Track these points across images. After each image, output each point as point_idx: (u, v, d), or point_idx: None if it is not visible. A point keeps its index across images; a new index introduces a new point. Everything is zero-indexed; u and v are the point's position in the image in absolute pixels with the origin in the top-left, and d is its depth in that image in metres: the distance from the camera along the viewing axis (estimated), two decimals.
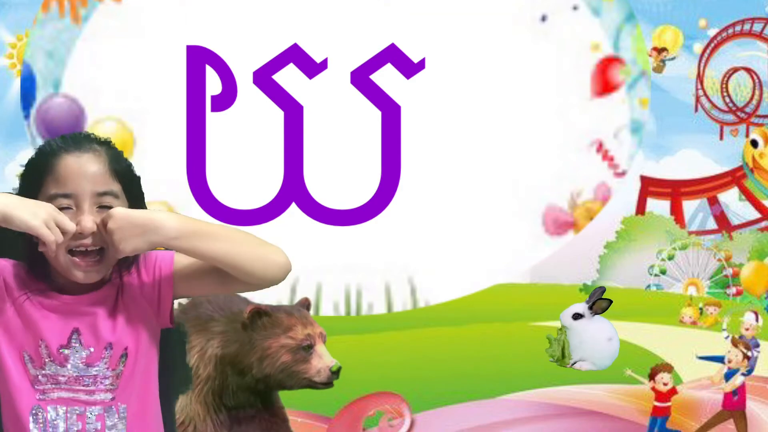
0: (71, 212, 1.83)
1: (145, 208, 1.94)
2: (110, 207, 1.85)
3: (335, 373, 3.28)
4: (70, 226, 1.80)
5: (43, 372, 1.85)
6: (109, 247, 1.84)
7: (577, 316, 4.24)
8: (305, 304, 3.45)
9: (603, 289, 4.24)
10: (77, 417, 1.85)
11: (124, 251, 1.82)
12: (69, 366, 1.86)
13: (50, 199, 1.84)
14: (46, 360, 1.85)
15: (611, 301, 4.21)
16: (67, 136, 1.91)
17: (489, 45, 4.34)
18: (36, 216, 1.77)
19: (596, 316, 4.24)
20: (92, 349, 1.86)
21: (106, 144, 1.91)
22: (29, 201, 1.80)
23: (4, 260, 1.89)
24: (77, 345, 1.86)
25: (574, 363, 4.29)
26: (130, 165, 1.93)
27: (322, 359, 3.28)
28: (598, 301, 4.19)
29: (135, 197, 1.91)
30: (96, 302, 1.88)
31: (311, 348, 3.29)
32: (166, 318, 1.93)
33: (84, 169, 1.85)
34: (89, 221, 1.83)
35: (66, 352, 1.86)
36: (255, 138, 4.28)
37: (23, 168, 1.93)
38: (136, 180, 1.93)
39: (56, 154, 1.86)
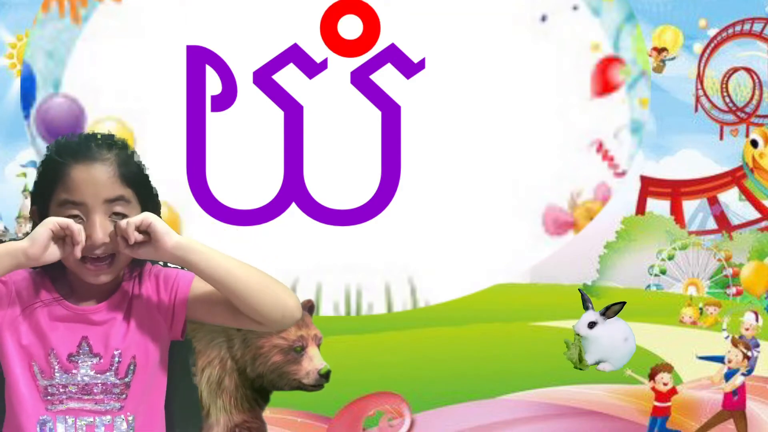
0: (82, 221, 1.84)
1: (158, 205, 1.96)
2: (122, 214, 1.86)
3: (324, 376, 3.28)
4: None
5: (53, 383, 1.86)
6: (119, 254, 1.85)
7: (592, 325, 4.23)
8: (307, 306, 3.45)
9: (621, 304, 4.24)
10: (86, 427, 1.87)
11: (143, 216, 1.83)
12: (79, 374, 1.87)
13: (61, 205, 1.85)
14: (56, 370, 1.86)
15: (624, 303, 4.21)
16: (76, 143, 1.90)
17: (489, 45, 4.34)
18: (49, 222, 1.80)
19: (610, 319, 4.24)
20: (101, 357, 1.87)
21: (116, 147, 1.90)
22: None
23: (26, 272, 1.89)
24: (86, 353, 1.87)
25: (596, 364, 4.29)
26: (140, 166, 1.92)
27: (312, 361, 3.29)
28: (612, 306, 4.20)
29: (147, 199, 1.92)
30: (106, 311, 1.90)
31: (303, 350, 3.30)
32: (178, 333, 1.94)
33: (93, 180, 1.85)
34: (100, 233, 1.84)
35: (75, 359, 1.87)
36: (255, 138, 4.28)
37: (37, 172, 1.93)
38: (147, 180, 1.93)
39: (66, 164, 1.86)
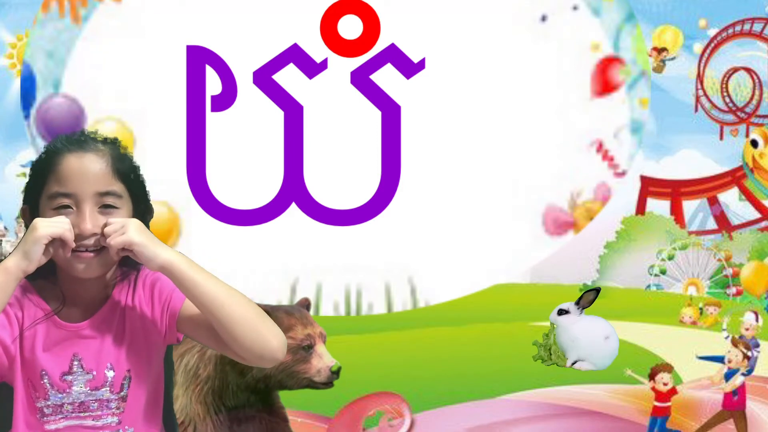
0: (72, 212, 1.82)
1: (150, 209, 1.93)
2: (112, 207, 1.83)
3: (335, 373, 3.28)
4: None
5: (48, 403, 1.84)
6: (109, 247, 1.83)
7: (561, 312, 4.25)
8: (305, 304, 3.45)
9: (596, 290, 4.25)
10: None
11: (127, 234, 1.79)
12: (73, 392, 1.84)
13: (51, 197, 1.82)
14: (50, 390, 1.84)
15: (598, 290, 4.21)
16: (71, 136, 1.89)
17: (489, 45, 4.34)
18: (41, 237, 1.77)
19: (593, 316, 4.24)
20: (94, 373, 1.85)
21: (111, 143, 1.89)
22: (24, 238, 1.80)
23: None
24: (79, 370, 1.85)
25: (574, 363, 4.29)
26: (134, 165, 1.90)
27: (322, 359, 3.28)
28: (585, 294, 4.20)
29: (139, 198, 1.89)
30: (97, 325, 1.87)
31: (311, 348, 3.29)
32: (173, 339, 1.92)
33: (85, 169, 1.83)
34: (89, 224, 1.81)
35: (69, 378, 1.84)
36: (255, 138, 4.29)
37: (30, 167, 1.91)
38: (141, 180, 1.91)
39: (59, 153, 1.84)
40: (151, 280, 1.91)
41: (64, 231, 1.79)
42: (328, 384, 3.31)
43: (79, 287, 1.86)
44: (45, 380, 1.83)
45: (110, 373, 1.85)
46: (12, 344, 1.83)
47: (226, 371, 3.29)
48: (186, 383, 3.28)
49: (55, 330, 1.85)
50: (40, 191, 1.85)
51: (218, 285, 1.84)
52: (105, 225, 1.81)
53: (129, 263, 1.90)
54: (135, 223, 1.82)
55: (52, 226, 1.78)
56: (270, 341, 1.85)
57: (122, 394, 1.86)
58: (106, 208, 1.83)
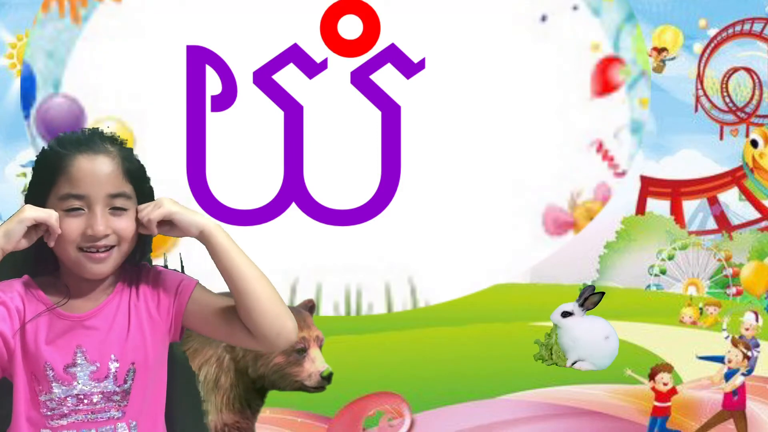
0: (83, 213, 1.82)
1: None
2: (122, 209, 1.85)
3: (326, 378, 3.28)
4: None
5: (51, 396, 1.83)
6: (122, 242, 1.84)
7: (565, 314, 4.25)
8: (308, 305, 3.45)
9: (592, 288, 4.26)
10: None
11: (164, 206, 1.85)
12: (77, 384, 1.84)
13: (62, 198, 1.82)
14: (53, 383, 1.83)
15: (602, 294, 4.21)
16: (80, 135, 1.90)
17: (489, 45, 4.34)
18: (26, 218, 1.79)
19: (593, 316, 4.24)
20: (98, 365, 1.85)
21: (119, 143, 1.91)
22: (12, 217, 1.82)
23: (15, 285, 1.86)
24: (83, 361, 1.84)
25: (574, 363, 4.29)
26: (141, 164, 1.92)
27: (315, 363, 3.29)
28: (590, 297, 4.20)
29: (146, 197, 1.91)
30: (101, 316, 1.87)
31: (305, 351, 3.30)
32: (177, 335, 1.93)
33: (97, 171, 1.84)
34: (101, 226, 1.82)
35: (73, 370, 1.84)
36: (255, 138, 4.29)
37: (34, 164, 1.91)
38: (147, 179, 1.93)
39: (70, 154, 1.84)
40: (155, 274, 1.93)
41: (50, 217, 1.80)
42: (319, 388, 3.32)
43: (83, 282, 1.87)
44: (49, 373, 1.83)
45: (114, 365, 1.85)
46: (12, 338, 1.83)
47: (245, 376, 3.31)
48: (207, 394, 3.31)
49: (59, 321, 1.85)
50: (48, 191, 1.85)
51: (248, 259, 1.88)
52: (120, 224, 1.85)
53: (131, 259, 1.90)
54: (167, 198, 1.88)
55: (39, 210, 1.80)
56: (287, 323, 1.88)
57: (126, 387, 1.86)
58: (115, 210, 1.84)
